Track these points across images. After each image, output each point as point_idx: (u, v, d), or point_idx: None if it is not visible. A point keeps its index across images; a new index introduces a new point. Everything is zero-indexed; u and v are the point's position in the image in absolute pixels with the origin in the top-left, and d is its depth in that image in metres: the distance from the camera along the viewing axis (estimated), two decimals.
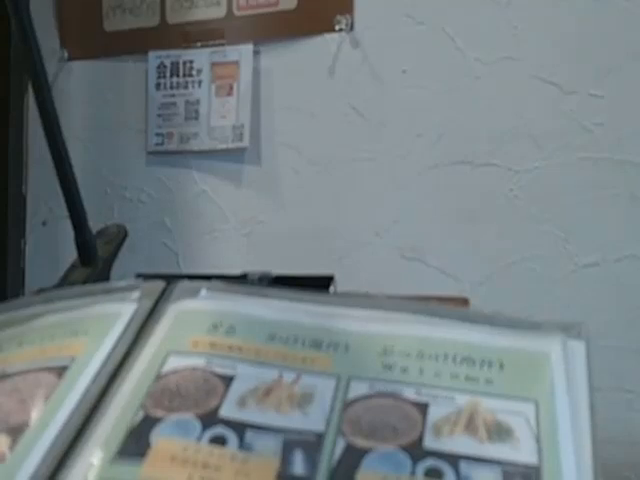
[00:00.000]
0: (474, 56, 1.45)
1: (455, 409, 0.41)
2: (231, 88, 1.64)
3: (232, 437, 0.39)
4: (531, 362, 0.44)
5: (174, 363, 0.44)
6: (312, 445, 0.39)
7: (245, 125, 1.62)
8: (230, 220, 1.65)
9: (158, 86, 1.72)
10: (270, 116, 1.62)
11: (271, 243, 1.61)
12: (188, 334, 0.46)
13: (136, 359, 0.45)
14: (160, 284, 0.50)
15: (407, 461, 0.38)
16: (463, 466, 0.38)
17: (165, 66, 1.71)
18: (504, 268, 1.41)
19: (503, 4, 1.43)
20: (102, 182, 1.76)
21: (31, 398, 0.43)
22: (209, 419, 0.40)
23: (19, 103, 1.81)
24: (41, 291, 0.62)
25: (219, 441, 0.39)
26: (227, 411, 0.41)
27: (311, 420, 0.41)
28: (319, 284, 0.84)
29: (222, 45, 1.66)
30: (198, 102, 1.68)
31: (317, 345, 0.46)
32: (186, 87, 1.69)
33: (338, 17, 1.54)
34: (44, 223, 1.83)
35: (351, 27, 1.54)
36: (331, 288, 0.84)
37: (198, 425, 0.40)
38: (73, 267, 0.73)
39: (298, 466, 0.38)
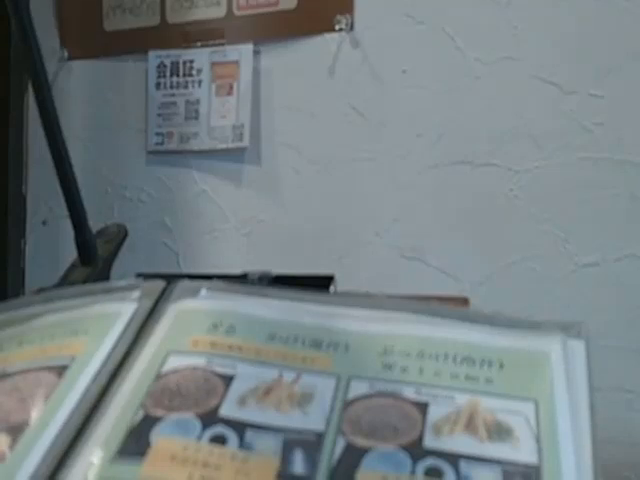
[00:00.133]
0: (474, 56, 1.45)
1: (455, 409, 0.41)
2: (231, 88, 1.64)
3: (232, 436, 0.39)
4: (531, 362, 0.44)
5: (174, 362, 0.44)
6: (312, 444, 0.39)
7: (245, 125, 1.62)
8: (230, 220, 1.65)
9: (158, 86, 1.72)
10: (270, 116, 1.62)
11: (271, 243, 1.61)
12: (188, 334, 0.46)
13: (136, 358, 0.45)
14: (160, 284, 0.50)
15: (407, 460, 0.38)
16: (463, 465, 0.38)
17: (165, 66, 1.71)
18: (504, 268, 1.41)
19: (503, 4, 1.43)
20: (102, 182, 1.76)
21: (31, 397, 0.43)
22: (209, 418, 0.40)
23: (19, 103, 1.81)
24: (41, 290, 0.62)
25: (219, 440, 0.39)
26: (227, 410, 0.41)
27: (311, 419, 0.41)
28: (319, 284, 0.84)
29: (222, 45, 1.66)
30: (198, 102, 1.68)
31: (317, 345, 0.46)
32: (186, 87, 1.69)
33: (338, 17, 1.54)
34: (44, 223, 1.83)
35: (351, 27, 1.54)
36: (331, 288, 0.84)
37: (198, 424, 0.40)
38: (73, 267, 0.73)
39: (298, 465, 0.38)
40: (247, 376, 0.43)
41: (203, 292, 0.50)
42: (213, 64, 1.67)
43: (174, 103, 1.70)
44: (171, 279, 0.51)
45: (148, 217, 1.72)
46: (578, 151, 1.38)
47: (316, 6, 1.57)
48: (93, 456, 0.39)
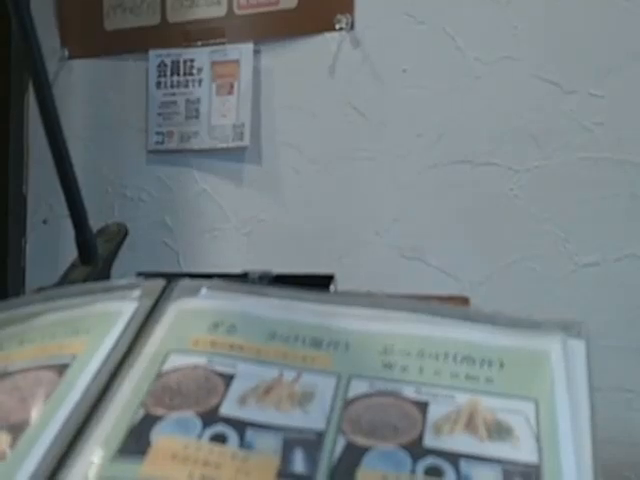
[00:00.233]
0: (474, 56, 1.45)
1: (455, 408, 0.41)
2: (231, 87, 1.64)
3: (233, 435, 0.39)
4: (531, 361, 0.44)
5: (175, 361, 0.44)
6: (312, 443, 0.39)
7: (245, 124, 1.62)
8: (231, 219, 1.65)
9: (159, 85, 1.72)
10: (270, 115, 1.62)
11: (271, 242, 1.61)
12: (189, 333, 0.46)
13: (137, 358, 0.45)
14: (161, 283, 0.50)
15: (407, 459, 0.38)
16: (463, 465, 0.38)
17: (166, 65, 1.71)
18: (504, 268, 1.41)
19: (503, 4, 1.43)
20: (102, 181, 1.76)
21: (32, 396, 0.43)
22: (210, 417, 0.40)
23: (19, 102, 1.81)
24: (41, 290, 0.62)
25: (220, 439, 0.39)
26: (228, 409, 0.41)
27: (311, 418, 0.41)
28: (319, 283, 0.84)
29: (223, 44, 1.66)
30: (198, 101, 1.68)
31: (317, 344, 0.46)
32: (186, 86, 1.69)
33: (338, 16, 1.54)
34: (44, 222, 1.83)
35: (351, 26, 1.54)
36: (331, 287, 0.84)
37: (199, 423, 0.40)
38: (73, 266, 0.73)
39: (298, 464, 0.38)
40: (247, 375, 0.43)
41: (203, 291, 0.50)
42: (213, 63, 1.67)
43: (174, 102, 1.70)
44: (171, 278, 0.51)
45: (148, 216, 1.72)
46: (578, 151, 1.38)
47: (316, 5, 1.57)
48: (93, 455, 0.39)
